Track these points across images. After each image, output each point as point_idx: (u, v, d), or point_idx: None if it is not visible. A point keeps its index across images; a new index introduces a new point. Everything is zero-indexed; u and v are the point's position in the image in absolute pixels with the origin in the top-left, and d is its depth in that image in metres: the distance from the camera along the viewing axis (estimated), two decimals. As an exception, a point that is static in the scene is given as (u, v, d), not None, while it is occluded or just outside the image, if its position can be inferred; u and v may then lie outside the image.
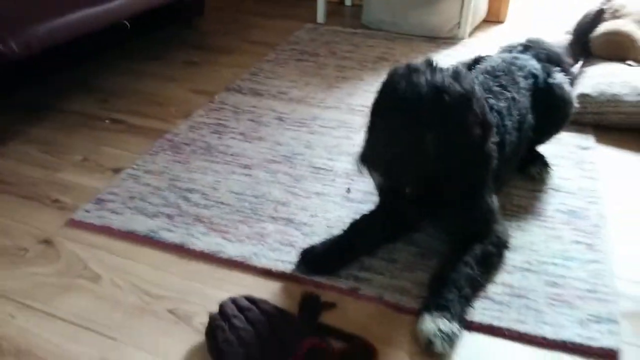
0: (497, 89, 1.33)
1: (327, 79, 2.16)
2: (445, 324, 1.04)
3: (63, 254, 1.27)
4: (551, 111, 1.45)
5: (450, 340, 1.03)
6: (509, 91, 1.34)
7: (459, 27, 2.55)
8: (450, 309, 1.06)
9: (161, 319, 1.10)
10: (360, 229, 1.28)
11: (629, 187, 1.52)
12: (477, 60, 1.53)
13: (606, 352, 1.03)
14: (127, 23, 1.98)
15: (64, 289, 1.17)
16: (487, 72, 1.40)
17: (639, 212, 1.42)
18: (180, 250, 1.28)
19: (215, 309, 1.06)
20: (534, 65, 1.47)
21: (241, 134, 1.76)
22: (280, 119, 1.86)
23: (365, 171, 1.12)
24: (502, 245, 1.23)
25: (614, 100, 1.74)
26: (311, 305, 1.11)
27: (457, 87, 1.08)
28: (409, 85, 1.07)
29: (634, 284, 1.19)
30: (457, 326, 1.05)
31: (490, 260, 1.20)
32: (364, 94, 2.03)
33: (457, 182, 1.17)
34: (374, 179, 1.17)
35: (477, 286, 1.15)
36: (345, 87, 2.09)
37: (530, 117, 1.39)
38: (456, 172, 1.14)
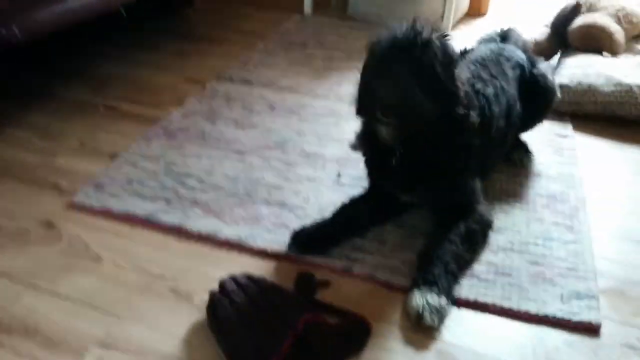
0: (487, 77, 1.40)
1: (316, 68, 2.20)
2: (434, 298, 1.10)
3: (65, 236, 1.29)
4: (536, 100, 1.51)
5: (439, 313, 1.09)
6: (498, 80, 1.40)
7: (442, 20, 2.61)
8: (438, 283, 1.12)
9: (163, 297, 1.14)
10: (350, 211, 1.33)
11: (605, 172, 1.60)
12: (465, 52, 1.59)
13: (586, 326, 1.10)
14: (124, 12, 2.00)
15: (68, 269, 1.20)
16: (476, 61, 1.46)
17: (614, 196, 1.50)
18: (179, 232, 1.31)
19: (214, 287, 1.10)
20: (520, 55, 1.54)
21: (234, 121, 1.80)
22: (271, 107, 1.89)
23: (361, 120, 1.21)
24: (485, 224, 1.30)
25: (590, 90, 1.81)
26: (306, 283, 1.16)
27: (448, 47, 1.16)
28: (402, 36, 1.14)
29: (611, 262, 1.27)
30: (445, 300, 1.11)
31: (475, 238, 1.26)
32: (351, 83, 2.07)
33: (439, 149, 1.23)
34: (369, 126, 1.23)
35: (462, 262, 1.21)
36: (334, 77, 2.14)
37: (518, 106, 1.46)
38: (439, 136, 1.21)
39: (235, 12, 2.80)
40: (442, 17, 2.60)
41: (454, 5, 2.58)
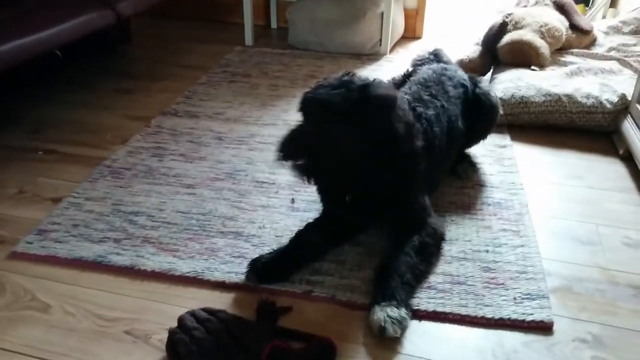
0: (428, 97, 1.45)
1: (261, 97, 2.23)
2: (394, 310, 1.12)
3: (8, 287, 1.23)
4: (480, 118, 1.59)
5: (401, 324, 1.11)
6: (438, 100, 1.46)
7: (380, 44, 2.71)
8: (396, 296, 1.15)
9: (118, 341, 1.10)
10: (306, 237, 1.33)
11: (543, 177, 1.68)
12: (409, 75, 1.65)
13: (539, 325, 1.15)
14: (59, 53, 1.95)
15: (14, 321, 1.14)
16: (419, 83, 1.52)
17: (553, 199, 1.58)
18: (131, 272, 1.28)
19: (172, 325, 1.07)
20: (462, 75, 1.62)
21: (181, 155, 1.78)
22: (219, 138, 1.89)
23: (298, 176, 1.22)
24: (438, 236, 1.34)
25: (523, 102, 1.92)
26: (268, 311, 1.16)
27: (381, 90, 1.19)
28: (335, 89, 1.17)
29: (557, 262, 1.33)
30: (405, 311, 1.13)
31: (429, 250, 1.29)
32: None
33: (389, 184, 1.26)
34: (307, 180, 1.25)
35: (418, 273, 1.24)
36: (280, 105, 2.16)
37: (460, 124, 1.52)
38: (386, 172, 1.24)
39: (174, 47, 2.80)
40: (380, 41, 2.70)
41: (390, 30, 2.68)
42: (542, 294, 1.22)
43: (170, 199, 1.54)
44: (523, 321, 1.15)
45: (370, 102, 1.16)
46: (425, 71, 1.60)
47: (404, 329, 1.12)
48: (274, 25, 3.14)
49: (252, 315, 1.14)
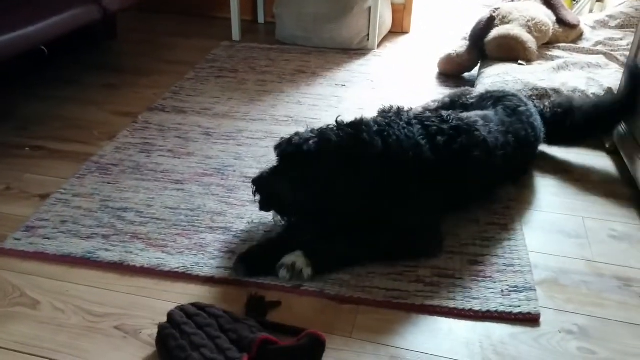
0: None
1: (249, 93, 2.22)
2: (300, 263, 1.23)
3: (-4, 284, 1.22)
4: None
5: (294, 274, 1.22)
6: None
7: (368, 39, 2.71)
8: (314, 256, 1.24)
9: (108, 336, 1.10)
10: (295, 229, 1.34)
11: (533, 172, 1.69)
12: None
13: (526, 317, 1.16)
14: (45, 49, 1.93)
15: (3, 318, 1.13)
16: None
17: (540, 193, 1.60)
18: (120, 267, 1.27)
19: (162, 320, 1.07)
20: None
21: (169, 151, 1.77)
22: (207, 134, 1.89)
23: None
24: (412, 248, 1.33)
25: (511, 96, 1.93)
26: (257, 306, 1.16)
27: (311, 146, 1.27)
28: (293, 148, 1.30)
29: (543, 255, 1.35)
30: (311, 270, 1.23)
31: (388, 250, 1.31)
32: (286, 105, 2.11)
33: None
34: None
35: (355, 254, 1.29)
36: (268, 100, 2.16)
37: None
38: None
39: (161, 42, 2.78)
40: (368, 36, 2.70)
41: (377, 25, 2.68)
42: (529, 287, 1.23)
43: (159, 195, 1.54)
44: (510, 313, 1.17)
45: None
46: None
47: (296, 278, 1.22)
48: (261, 20, 3.12)
49: (242, 310, 1.14)
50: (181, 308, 1.09)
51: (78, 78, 2.33)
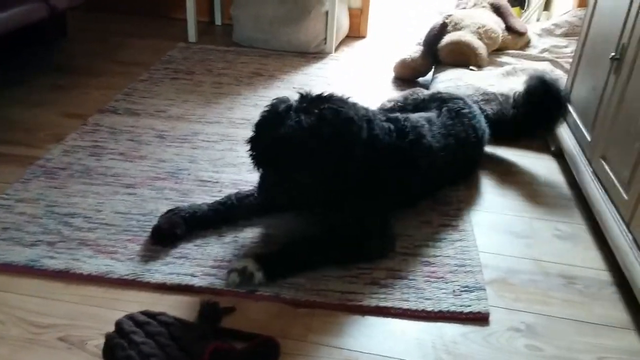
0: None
1: (205, 95, 2.19)
2: (251, 267, 1.21)
3: None
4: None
5: (247, 279, 1.21)
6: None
7: (325, 43, 2.73)
8: (265, 261, 1.23)
9: (52, 348, 1.05)
10: (229, 204, 1.43)
11: (482, 175, 1.74)
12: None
13: (477, 316, 1.19)
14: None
15: None
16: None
17: (490, 194, 1.64)
18: (66, 276, 1.23)
19: (110, 329, 1.04)
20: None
21: (121, 154, 1.72)
22: (161, 136, 1.85)
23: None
24: (365, 248, 1.34)
25: (462, 101, 1.98)
26: (210, 312, 1.14)
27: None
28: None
29: (493, 255, 1.38)
30: (262, 274, 1.22)
31: (341, 251, 1.32)
32: (243, 108, 2.09)
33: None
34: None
35: (310, 259, 1.29)
36: (224, 102, 2.13)
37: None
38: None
39: (114, 43, 2.70)
40: (325, 39, 2.71)
41: (334, 29, 2.70)
42: (480, 286, 1.26)
43: (109, 200, 1.49)
44: (461, 313, 1.19)
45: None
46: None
47: (246, 284, 1.21)
48: (218, 21, 3.09)
49: (194, 317, 1.12)
50: (130, 316, 1.06)
51: (24, 78, 2.23)
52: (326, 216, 1.36)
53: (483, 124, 1.69)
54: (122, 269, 1.25)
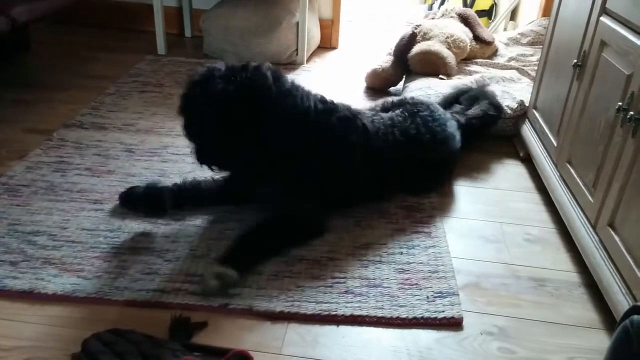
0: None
1: (175, 107, 2.13)
2: (221, 269, 1.23)
3: None
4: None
5: (222, 279, 1.21)
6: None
7: (296, 54, 2.73)
8: (232, 260, 1.26)
9: (15, 372, 1.01)
10: (196, 185, 1.53)
11: (454, 182, 1.76)
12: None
13: (450, 321, 1.19)
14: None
15: None
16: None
17: (462, 200, 1.66)
18: (30, 296, 1.18)
19: (76, 350, 1.01)
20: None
21: (87, 169, 1.68)
22: (129, 150, 1.81)
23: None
24: (307, 227, 1.42)
25: (432, 109, 2.00)
26: (182, 328, 1.12)
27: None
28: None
29: (466, 261, 1.39)
30: (234, 271, 1.23)
31: (291, 236, 1.39)
32: (213, 120, 2.07)
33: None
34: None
35: (269, 251, 1.35)
36: (194, 115, 2.11)
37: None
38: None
39: (80, 56, 2.65)
40: (297, 50, 2.72)
41: (305, 40, 2.71)
42: (453, 292, 1.27)
43: (75, 216, 1.45)
44: (435, 319, 1.19)
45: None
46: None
47: (226, 285, 1.22)
48: (188, 34, 3.07)
49: (166, 334, 1.09)
50: (97, 336, 1.03)
51: (-15, 94, 2.17)
52: (268, 204, 1.43)
53: (448, 129, 1.67)
54: (89, 287, 1.21)
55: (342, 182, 1.49)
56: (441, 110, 1.75)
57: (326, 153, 1.43)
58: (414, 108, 1.67)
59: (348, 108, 1.52)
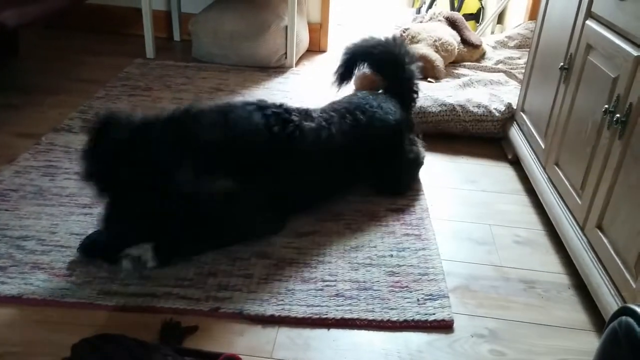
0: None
1: (164, 111, 2.15)
2: (142, 255, 1.27)
3: None
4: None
5: (140, 264, 1.26)
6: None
7: (285, 57, 2.74)
8: (158, 247, 1.28)
9: (4, 378, 1.00)
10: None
11: (441, 182, 1.77)
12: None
13: (441, 324, 1.20)
14: None
15: None
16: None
17: (451, 202, 1.67)
18: (19, 301, 1.17)
19: (66, 355, 1.00)
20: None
21: (76, 173, 1.67)
22: (118, 154, 1.80)
23: None
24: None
25: (421, 112, 2.02)
26: (172, 332, 1.11)
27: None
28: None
29: (456, 263, 1.40)
30: (154, 261, 1.28)
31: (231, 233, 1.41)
32: (203, 124, 2.06)
33: None
34: None
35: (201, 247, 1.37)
36: (184, 119, 2.10)
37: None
38: None
39: (69, 60, 2.64)
40: (286, 54, 2.72)
41: (294, 43, 2.72)
42: (443, 294, 1.28)
43: (64, 221, 1.44)
44: (426, 321, 1.20)
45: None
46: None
47: (140, 269, 1.27)
48: (176, 37, 3.06)
49: (156, 338, 1.09)
50: (87, 340, 1.02)
51: (-27, 98, 2.15)
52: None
53: (374, 103, 1.64)
54: (78, 292, 1.20)
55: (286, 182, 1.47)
56: (365, 92, 1.74)
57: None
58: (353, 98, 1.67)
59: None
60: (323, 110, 1.59)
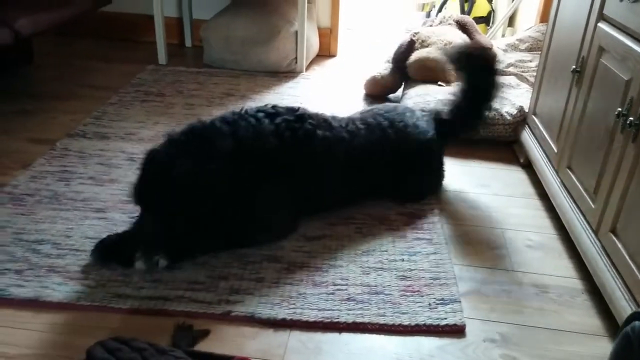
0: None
1: (177, 116, 2.18)
2: (154, 255, 1.30)
3: None
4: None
5: (151, 263, 1.29)
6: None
7: (296, 62, 2.75)
8: (168, 247, 1.31)
9: (20, 380, 1.02)
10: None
11: (453, 186, 1.77)
12: None
13: (453, 328, 1.19)
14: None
15: None
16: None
17: (462, 206, 1.66)
18: (35, 304, 1.19)
19: (81, 358, 1.01)
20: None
21: (90, 178, 1.69)
22: (131, 159, 1.82)
23: None
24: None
25: (432, 116, 2.01)
26: (184, 336, 1.12)
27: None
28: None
29: (467, 267, 1.40)
30: (165, 259, 1.31)
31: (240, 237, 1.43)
32: (215, 129, 2.08)
33: None
34: None
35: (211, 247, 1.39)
36: (196, 124, 2.12)
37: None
38: None
39: (82, 67, 2.67)
40: (296, 59, 2.74)
41: (305, 48, 2.73)
42: (455, 299, 1.27)
43: (78, 225, 1.46)
44: (437, 326, 1.20)
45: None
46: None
47: (152, 268, 1.30)
48: (188, 43, 3.09)
49: (168, 341, 1.10)
50: (101, 343, 1.03)
51: (-11, 104, 2.19)
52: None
53: (409, 119, 1.64)
54: (93, 295, 1.22)
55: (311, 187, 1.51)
56: (403, 106, 1.75)
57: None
58: (379, 109, 1.68)
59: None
60: (351, 119, 1.60)
